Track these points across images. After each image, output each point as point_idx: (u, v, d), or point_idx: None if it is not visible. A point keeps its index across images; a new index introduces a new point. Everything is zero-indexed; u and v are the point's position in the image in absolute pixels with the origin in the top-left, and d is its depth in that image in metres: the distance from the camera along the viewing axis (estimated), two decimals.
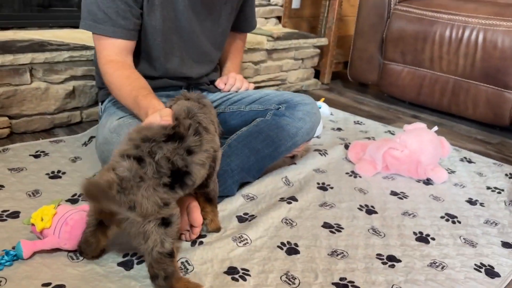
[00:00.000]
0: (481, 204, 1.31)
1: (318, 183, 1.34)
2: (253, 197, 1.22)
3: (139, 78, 1.14)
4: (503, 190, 1.41)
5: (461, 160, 1.63)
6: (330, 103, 2.16)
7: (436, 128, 1.51)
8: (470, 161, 1.62)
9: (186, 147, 0.86)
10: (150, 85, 1.14)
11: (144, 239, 0.78)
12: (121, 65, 1.16)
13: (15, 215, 1.04)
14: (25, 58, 1.39)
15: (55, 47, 1.49)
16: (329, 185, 1.34)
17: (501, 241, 1.12)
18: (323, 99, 2.00)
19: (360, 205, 1.24)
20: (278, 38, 2.15)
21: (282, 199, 1.22)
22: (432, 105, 2.13)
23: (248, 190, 1.24)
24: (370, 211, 1.21)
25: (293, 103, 1.33)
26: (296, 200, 1.22)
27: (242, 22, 1.48)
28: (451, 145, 1.59)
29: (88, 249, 0.88)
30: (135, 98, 1.07)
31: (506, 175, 1.53)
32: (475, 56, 1.90)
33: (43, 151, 1.37)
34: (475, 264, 1.02)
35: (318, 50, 2.39)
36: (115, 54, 1.15)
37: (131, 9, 1.14)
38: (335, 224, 1.13)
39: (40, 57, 1.42)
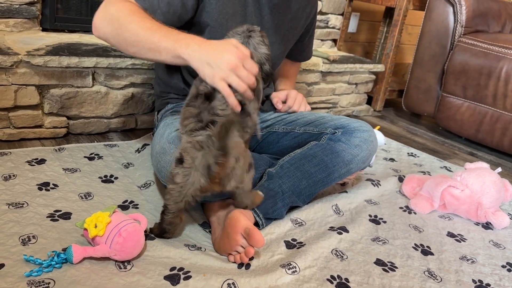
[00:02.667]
0: None
1: (370, 216, 1.28)
2: (301, 222, 1.18)
3: (145, 16, 1.01)
4: None
5: None
6: (381, 131, 2.10)
7: (499, 169, 1.42)
8: None
9: None
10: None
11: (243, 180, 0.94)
12: (129, 4, 1.02)
13: (66, 216, 1.04)
14: (89, 61, 1.43)
15: (119, 53, 1.52)
16: (381, 218, 1.28)
17: None
18: (378, 127, 1.94)
19: (415, 244, 1.17)
20: (334, 61, 2.12)
21: (332, 228, 1.17)
22: (491, 144, 2.03)
23: (296, 214, 1.20)
24: (426, 251, 1.14)
25: (350, 129, 1.28)
26: (347, 231, 1.17)
27: (299, 52, 1.50)
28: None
29: (173, 229, 0.99)
30: (168, 30, 0.97)
31: None
32: None
33: (97, 154, 1.38)
34: None
35: (373, 76, 2.34)
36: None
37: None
38: (388, 262, 1.07)
39: (103, 62, 1.45)
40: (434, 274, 1.05)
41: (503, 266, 1.13)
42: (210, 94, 0.92)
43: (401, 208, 1.37)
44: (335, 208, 1.28)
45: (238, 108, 0.92)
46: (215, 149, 0.85)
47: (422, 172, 1.68)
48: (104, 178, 1.25)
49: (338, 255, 1.06)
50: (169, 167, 1.03)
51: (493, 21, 2.21)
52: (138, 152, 1.44)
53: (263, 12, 1.24)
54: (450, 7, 2.13)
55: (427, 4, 2.24)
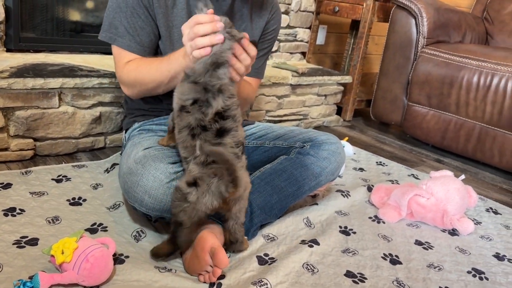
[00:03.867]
0: (509, 260, 1.26)
1: (341, 227, 1.30)
2: (273, 237, 1.19)
3: (153, 58, 1.20)
4: None
5: (487, 210, 1.58)
6: (351, 141, 2.14)
7: (463, 176, 1.47)
8: (496, 212, 1.57)
9: None
10: (158, 108, 1.28)
11: (242, 209, 1.02)
12: (140, 58, 1.21)
13: (33, 242, 1.02)
14: (55, 82, 1.41)
15: (85, 72, 1.51)
16: (351, 229, 1.30)
17: None
18: (346, 138, 1.98)
19: (384, 254, 1.20)
20: (303, 74, 2.15)
21: (303, 242, 1.19)
22: (456, 150, 2.10)
23: (268, 230, 1.21)
24: (395, 261, 1.17)
25: (318, 142, 1.31)
26: (317, 243, 1.19)
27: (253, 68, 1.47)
28: (476, 193, 1.55)
29: (188, 243, 1.00)
30: (167, 61, 1.12)
31: None
32: (503, 104, 1.87)
33: (65, 176, 1.36)
34: None
35: (341, 88, 2.39)
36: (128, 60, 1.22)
37: (150, 26, 1.19)
38: (358, 273, 1.09)
39: (70, 82, 1.44)
40: (403, 283, 1.08)
41: (468, 272, 1.17)
42: (224, 130, 0.98)
43: (370, 218, 1.40)
44: (306, 221, 1.30)
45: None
46: (227, 179, 0.94)
47: (390, 181, 1.72)
48: (72, 201, 1.23)
49: (309, 269, 1.07)
50: (136, 187, 1.03)
51: (453, 32, 2.29)
52: (107, 172, 1.43)
53: None
54: (412, 19, 2.20)
55: (390, 17, 2.31)
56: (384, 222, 1.38)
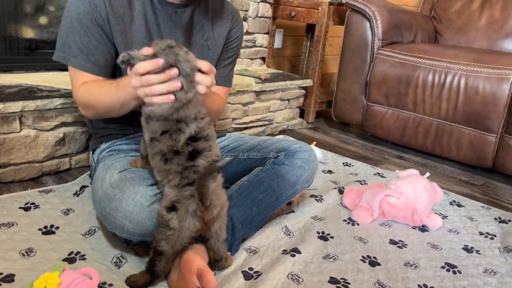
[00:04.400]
0: (477, 252, 1.33)
1: (318, 232, 1.33)
2: (255, 250, 1.20)
3: (104, 80, 1.18)
4: (495, 235, 1.45)
5: (451, 204, 1.66)
6: (318, 143, 2.19)
7: (428, 174, 1.54)
8: (459, 205, 1.66)
9: None
10: (124, 126, 1.27)
11: (222, 226, 1.03)
12: (95, 80, 1.19)
13: (9, 278, 0.98)
14: (15, 106, 1.35)
15: (46, 93, 1.46)
16: (329, 234, 1.33)
17: None
18: (315, 142, 2.02)
19: (363, 256, 1.23)
20: (265, 80, 2.17)
21: (285, 252, 1.20)
22: (416, 146, 2.19)
23: (250, 242, 1.22)
24: (373, 262, 1.21)
25: (292, 151, 1.33)
26: (299, 252, 1.21)
27: (220, 76, 1.42)
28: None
29: (165, 273, 1.01)
30: (116, 87, 1.09)
31: (496, 219, 1.57)
32: (457, 100, 1.98)
33: (33, 203, 1.31)
34: None
35: (303, 91, 2.43)
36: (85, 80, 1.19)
37: (105, 45, 1.17)
38: (341, 279, 1.12)
39: (31, 105, 1.38)
40: (384, 284, 1.12)
41: (442, 267, 1.23)
42: (196, 152, 0.97)
43: (344, 220, 1.43)
44: (285, 230, 1.32)
45: (172, 98, 0.94)
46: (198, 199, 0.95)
47: (358, 181, 1.77)
48: (44, 230, 1.18)
49: (294, 279, 1.09)
50: (116, 213, 1.01)
51: (406, 32, 2.39)
52: (77, 196, 1.38)
53: (175, 34, 1.24)
54: (366, 21, 2.27)
55: (345, 20, 2.37)
56: (358, 224, 1.42)
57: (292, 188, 1.30)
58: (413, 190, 1.43)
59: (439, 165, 2.13)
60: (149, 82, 0.92)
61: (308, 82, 2.41)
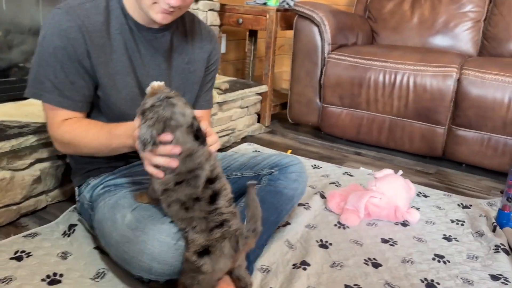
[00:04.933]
0: (455, 239, 1.48)
1: (317, 241, 1.39)
2: (267, 268, 1.23)
3: (93, 121, 1.17)
4: (464, 221, 1.61)
5: (418, 195, 1.81)
6: (278, 147, 2.25)
7: (401, 172, 1.67)
8: (425, 195, 1.81)
9: None
10: (114, 160, 1.24)
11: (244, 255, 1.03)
12: (78, 119, 1.16)
13: None
14: None
15: (16, 130, 1.35)
16: (327, 241, 1.40)
17: (489, 275, 1.28)
18: (290, 150, 2.07)
19: (364, 259, 1.32)
20: (226, 90, 2.18)
21: (295, 266, 1.25)
22: (371, 142, 2.33)
23: (260, 261, 1.25)
24: (375, 264, 1.30)
25: (284, 165, 1.37)
26: (308, 264, 1.26)
27: (204, 98, 1.42)
28: None
29: None
30: (108, 133, 1.09)
31: (459, 205, 1.74)
32: (408, 98, 2.14)
33: (23, 251, 1.22)
34: None
35: (259, 97, 2.47)
36: (63, 118, 1.15)
37: (82, 80, 1.13)
38: (354, 285, 1.19)
39: (5, 145, 1.27)
40: (392, 284, 1.21)
41: (433, 259, 1.35)
42: (215, 194, 0.97)
43: (335, 225, 1.51)
44: (287, 243, 1.36)
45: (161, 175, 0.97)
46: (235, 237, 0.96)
47: (333, 183, 1.86)
48: (48, 280, 1.11)
49: None
50: (141, 256, 0.98)
51: (349, 34, 2.52)
52: (68, 236, 1.31)
53: (157, 59, 1.22)
54: (315, 27, 2.36)
55: (294, 26, 2.45)
56: (348, 227, 1.50)
57: (290, 203, 1.34)
58: (393, 189, 1.55)
59: (394, 157, 2.29)
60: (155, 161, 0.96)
61: (264, 88, 2.46)
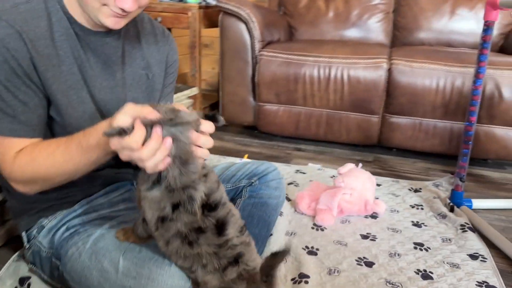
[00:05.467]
0: (424, 225, 1.53)
1: (304, 249, 1.34)
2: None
3: (54, 139, 0.94)
4: (421, 205, 1.68)
5: None
6: (219, 151, 2.15)
7: (361, 165, 1.68)
8: (378, 184, 1.86)
9: None
10: (72, 192, 1.06)
11: None
12: (32, 146, 0.93)
13: None
14: None
15: None
16: (313, 247, 1.35)
17: (467, 255, 1.34)
18: (246, 155, 1.97)
19: (356, 260, 1.29)
20: None
21: (294, 280, 1.18)
22: (310, 136, 2.34)
23: None
24: (368, 263, 1.28)
25: (262, 174, 1.28)
26: (307, 276, 1.19)
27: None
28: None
29: None
30: (78, 147, 0.86)
31: (410, 190, 1.82)
32: (343, 91, 2.18)
33: None
34: (477, 282, 1.20)
35: (192, 100, 2.33)
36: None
37: (36, 97, 0.92)
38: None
39: None
40: (393, 282, 1.20)
41: (414, 248, 1.38)
42: (222, 223, 0.83)
43: (312, 228, 1.47)
44: None
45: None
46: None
47: (291, 183, 1.82)
48: None
49: None
50: None
51: (273, 30, 2.50)
52: None
53: (110, 68, 1.05)
54: (242, 24, 2.29)
55: (220, 23, 2.34)
56: (325, 228, 1.47)
57: (275, 213, 1.27)
58: (361, 184, 1.55)
59: (333, 150, 2.33)
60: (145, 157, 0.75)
61: (195, 91, 2.32)
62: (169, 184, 0.79)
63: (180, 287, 0.84)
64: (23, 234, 1.09)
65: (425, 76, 2.06)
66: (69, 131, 0.97)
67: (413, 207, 1.67)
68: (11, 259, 1.18)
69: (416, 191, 1.81)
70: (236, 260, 0.82)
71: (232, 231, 0.85)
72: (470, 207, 1.64)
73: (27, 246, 1.09)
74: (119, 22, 0.95)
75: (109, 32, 1.01)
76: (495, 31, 2.50)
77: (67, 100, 0.96)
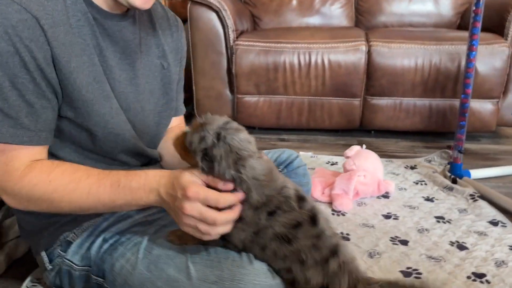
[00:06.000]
0: (435, 199, 1.55)
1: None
2: None
3: (83, 166, 0.83)
4: (424, 181, 1.70)
5: None
6: None
7: (364, 146, 1.67)
8: None
9: None
10: None
11: None
12: (49, 165, 0.81)
13: None
14: None
15: None
16: (342, 232, 1.31)
17: (488, 222, 1.37)
18: None
19: (390, 240, 1.27)
20: None
21: None
22: (292, 125, 2.30)
23: None
24: (403, 241, 1.27)
25: (287, 162, 1.22)
26: None
27: (179, 101, 1.18)
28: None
29: None
30: (114, 185, 0.78)
31: (406, 167, 1.84)
32: (324, 76, 2.16)
33: None
34: (509, 246, 1.23)
35: None
36: (29, 161, 0.80)
37: (44, 98, 0.78)
38: (407, 268, 1.13)
39: None
40: (433, 256, 1.19)
41: (437, 221, 1.38)
42: (314, 216, 0.77)
43: (333, 214, 1.43)
44: None
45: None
46: None
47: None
48: None
49: None
50: None
51: (243, 19, 2.42)
52: None
53: (128, 58, 0.92)
54: (214, 13, 2.19)
55: (188, 14, 2.22)
56: (345, 213, 1.44)
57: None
58: (372, 164, 1.54)
59: (316, 137, 2.31)
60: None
61: None
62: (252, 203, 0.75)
63: (268, 284, 0.76)
64: (43, 254, 0.94)
65: (404, 56, 2.10)
66: (97, 133, 0.85)
67: (416, 183, 1.68)
68: (24, 286, 1.01)
69: (412, 168, 1.84)
70: (335, 251, 0.76)
71: (323, 221, 0.79)
72: (469, 177, 1.69)
73: (49, 268, 0.94)
74: (149, 1, 0.84)
75: (125, 15, 0.89)
76: (452, 11, 2.62)
77: (93, 95, 0.83)
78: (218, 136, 0.72)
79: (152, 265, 0.81)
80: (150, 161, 1.04)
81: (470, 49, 1.58)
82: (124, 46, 0.90)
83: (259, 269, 0.77)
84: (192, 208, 0.71)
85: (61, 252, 0.92)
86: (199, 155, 0.72)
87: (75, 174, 0.80)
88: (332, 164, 1.88)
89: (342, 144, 2.20)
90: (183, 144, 0.76)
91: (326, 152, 2.06)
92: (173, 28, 1.06)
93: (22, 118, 0.76)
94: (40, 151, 0.81)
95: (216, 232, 0.72)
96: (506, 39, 2.06)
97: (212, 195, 0.72)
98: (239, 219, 0.74)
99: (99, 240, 0.90)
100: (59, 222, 0.92)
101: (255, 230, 0.76)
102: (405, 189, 1.63)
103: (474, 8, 1.54)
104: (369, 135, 2.33)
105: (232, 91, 2.28)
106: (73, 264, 0.90)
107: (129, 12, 0.90)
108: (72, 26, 0.80)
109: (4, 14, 0.72)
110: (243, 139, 0.74)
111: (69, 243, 0.92)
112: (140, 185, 0.77)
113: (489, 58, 2.03)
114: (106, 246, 0.88)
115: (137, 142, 0.94)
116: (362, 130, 2.35)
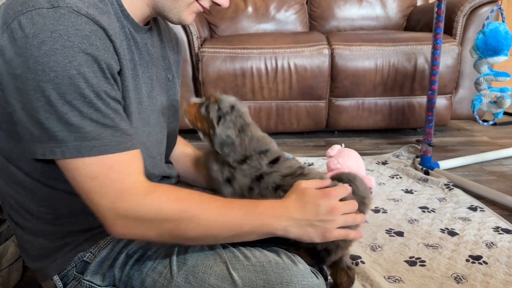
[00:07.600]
0: (414, 190, 1.63)
1: None
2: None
3: (197, 191, 0.80)
4: (398, 175, 1.79)
5: None
6: None
7: (343, 145, 1.72)
8: None
9: None
10: None
11: None
12: (166, 188, 0.76)
13: None
14: None
15: None
16: None
17: (467, 208, 1.47)
18: None
19: (386, 232, 1.32)
20: None
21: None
22: (261, 130, 2.31)
23: None
24: (398, 233, 1.32)
25: None
26: (359, 257, 1.18)
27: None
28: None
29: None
30: (243, 208, 0.77)
31: (377, 163, 1.92)
32: (291, 80, 2.20)
33: None
34: (492, 228, 1.32)
35: None
36: (141, 174, 0.74)
37: (119, 104, 0.74)
38: (410, 257, 1.18)
39: None
40: (430, 244, 1.26)
41: (423, 212, 1.46)
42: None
43: None
44: None
45: (361, 235, 0.85)
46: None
47: None
48: None
49: (391, 280, 1.08)
50: None
51: (204, 27, 2.41)
52: None
53: (149, 70, 0.90)
54: None
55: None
56: None
57: None
58: (355, 162, 1.59)
59: (285, 140, 2.34)
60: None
61: None
62: None
63: (315, 284, 0.76)
64: (55, 278, 0.87)
65: (364, 57, 2.20)
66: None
67: (392, 177, 1.76)
68: None
69: (384, 163, 1.92)
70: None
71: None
72: (439, 168, 1.80)
73: None
74: (193, 17, 0.84)
75: (149, 27, 0.87)
76: (398, 14, 2.79)
77: (137, 111, 0.80)
78: (232, 107, 0.93)
79: (190, 276, 0.78)
80: (163, 177, 1.00)
81: (435, 48, 1.69)
82: (148, 59, 0.87)
83: (304, 269, 0.77)
84: (343, 204, 0.77)
85: (78, 274, 0.86)
86: (215, 120, 0.89)
87: (201, 196, 0.76)
88: (308, 165, 1.92)
89: (311, 145, 2.25)
90: (197, 112, 0.91)
91: (297, 154, 2.09)
92: (173, 41, 1.04)
93: (118, 124, 0.71)
94: (136, 157, 0.74)
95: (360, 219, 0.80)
96: (455, 38, 2.23)
97: (339, 189, 0.78)
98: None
99: (122, 257, 0.85)
100: (75, 242, 0.86)
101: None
102: (383, 183, 1.70)
103: (436, 9, 1.65)
104: (333, 135, 2.40)
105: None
106: (94, 285, 0.85)
107: (150, 24, 0.88)
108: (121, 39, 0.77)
109: (75, 26, 0.67)
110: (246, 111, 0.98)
111: (86, 264, 0.86)
112: (268, 212, 0.76)
113: (442, 56, 2.16)
114: (131, 261, 0.84)
115: (155, 155, 0.92)
116: (328, 131, 2.42)
